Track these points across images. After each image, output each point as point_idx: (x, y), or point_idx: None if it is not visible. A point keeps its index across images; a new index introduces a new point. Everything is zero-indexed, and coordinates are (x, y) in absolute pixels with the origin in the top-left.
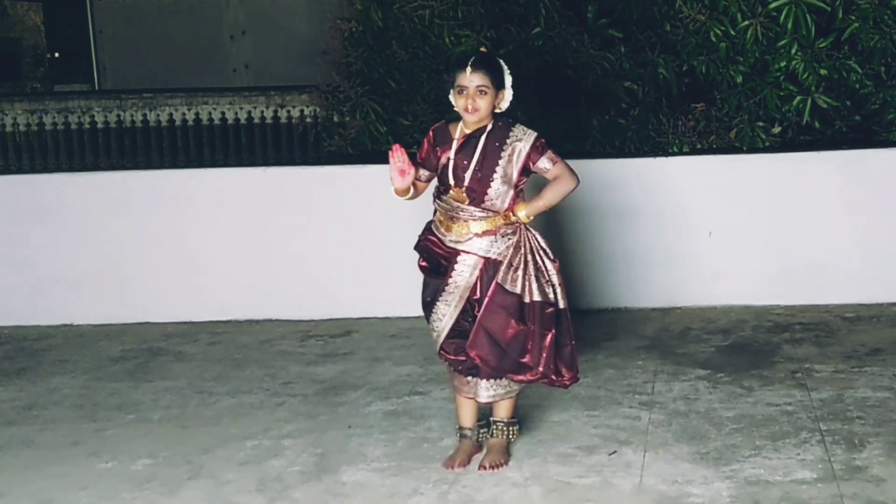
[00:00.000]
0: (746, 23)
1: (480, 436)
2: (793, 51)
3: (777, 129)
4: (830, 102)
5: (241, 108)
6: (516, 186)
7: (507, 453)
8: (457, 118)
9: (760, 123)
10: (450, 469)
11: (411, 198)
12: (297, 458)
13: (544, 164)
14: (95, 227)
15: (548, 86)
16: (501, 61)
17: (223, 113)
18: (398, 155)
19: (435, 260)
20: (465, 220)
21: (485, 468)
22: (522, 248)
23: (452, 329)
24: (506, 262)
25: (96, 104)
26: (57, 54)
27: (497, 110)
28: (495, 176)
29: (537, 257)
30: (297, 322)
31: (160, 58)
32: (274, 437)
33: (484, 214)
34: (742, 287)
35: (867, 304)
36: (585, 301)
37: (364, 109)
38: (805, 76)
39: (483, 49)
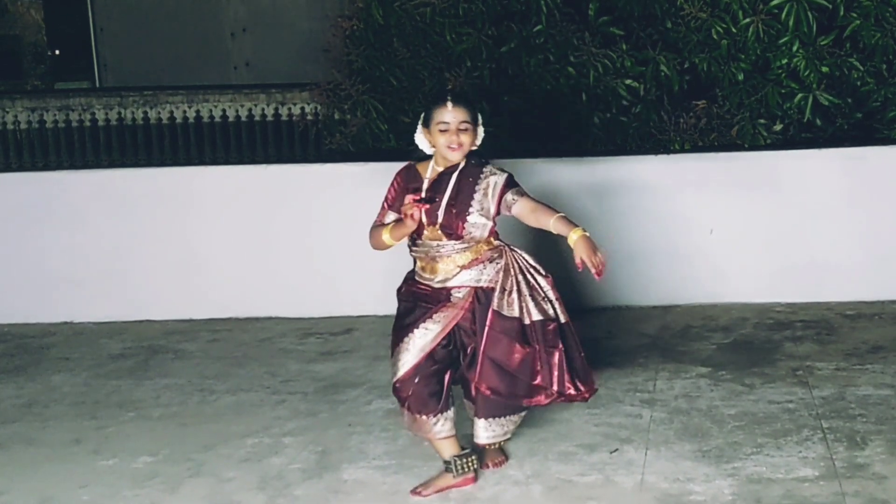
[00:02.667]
0: (748, 20)
1: (467, 466)
2: (794, 48)
3: (778, 127)
4: (832, 100)
5: (242, 106)
6: (493, 219)
7: (505, 451)
8: (424, 158)
9: (762, 121)
10: (414, 496)
11: (393, 245)
12: (298, 455)
13: (514, 197)
14: (96, 224)
15: (549, 83)
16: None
17: (224, 110)
18: (409, 198)
19: (423, 299)
20: (449, 255)
21: (486, 466)
22: (512, 270)
23: (416, 366)
24: (498, 287)
25: (97, 102)
26: (58, 52)
27: (472, 147)
28: (471, 210)
29: (528, 276)
30: (297, 320)
31: (161, 55)
32: (275, 435)
33: (465, 245)
34: (743, 285)
35: (868, 301)
36: (587, 299)
37: (365, 107)
38: (806, 73)
39: (450, 86)
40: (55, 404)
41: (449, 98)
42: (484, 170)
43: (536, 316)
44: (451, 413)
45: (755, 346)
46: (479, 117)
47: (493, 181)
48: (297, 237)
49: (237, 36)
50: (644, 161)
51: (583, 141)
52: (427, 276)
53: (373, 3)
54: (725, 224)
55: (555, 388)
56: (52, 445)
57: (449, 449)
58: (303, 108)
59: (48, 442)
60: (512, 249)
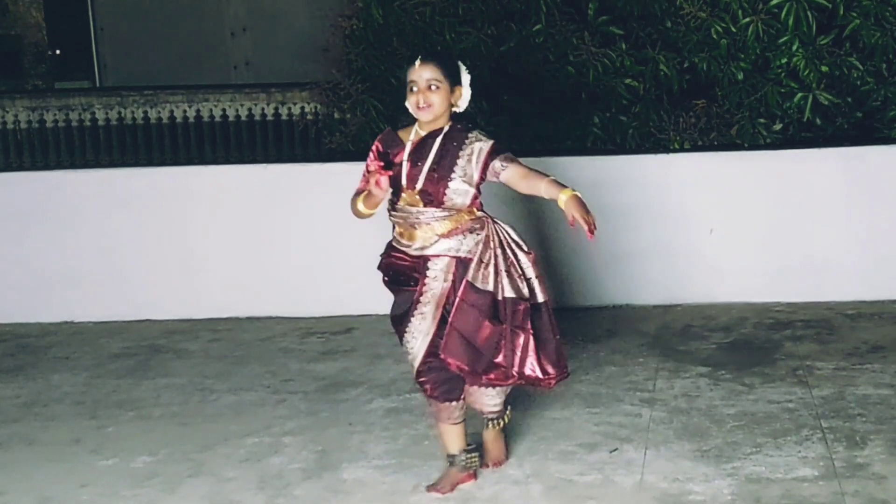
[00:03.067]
0: (747, 19)
1: (471, 462)
2: (794, 47)
3: (778, 126)
4: (832, 99)
5: (242, 105)
6: (477, 187)
7: (505, 448)
8: (410, 123)
9: (761, 120)
10: (434, 493)
11: (371, 214)
12: (298, 455)
13: (503, 163)
14: (96, 224)
15: (548, 83)
16: (459, 62)
17: (224, 110)
18: (374, 165)
19: (402, 273)
20: (428, 223)
21: (486, 466)
22: (492, 243)
23: (429, 351)
24: (475, 258)
25: (97, 101)
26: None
27: (455, 109)
28: (454, 175)
29: (508, 251)
30: (297, 319)
31: (161, 55)
32: (275, 435)
33: (446, 214)
34: (743, 284)
35: (868, 301)
36: (586, 298)
37: (365, 106)
38: (806, 73)
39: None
40: (55, 404)
41: (419, 56)
42: (469, 135)
43: (509, 293)
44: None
45: (755, 345)
46: (463, 77)
47: (477, 147)
48: (298, 237)
49: (237, 35)
50: (643, 160)
51: (582, 140)
52: (405, 242)
53: (372, 2)
54: (725, 223)
55: (515, 369)
56: (52, 445)
57: (458, 442)
58: (303, 108)
59: (48, 441)
60: (495, 222)
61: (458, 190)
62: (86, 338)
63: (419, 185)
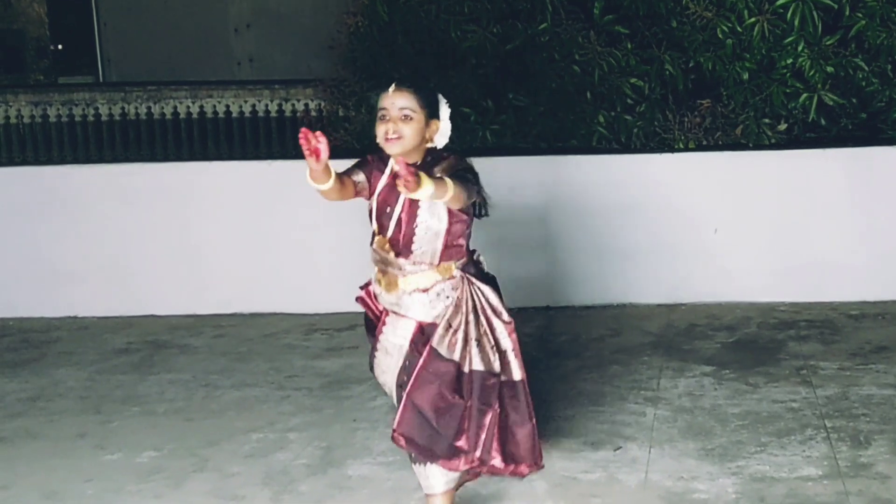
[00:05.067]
0: (753, 20)
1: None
2: (799, 48)
3: (783, 126)
4: (836, 100)
5: (246, 102)
6: (449, 230)
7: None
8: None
9: (766, 120)
10: None
11: (338, 196)
12: (303, 451)
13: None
14: (100, 219)
15: (554, 81)
16: (440, 94)
17: (227, 106)
18: (309, 136)
19: (371, 321)
20: (395, 276)
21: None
22: (464, 307)
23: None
24: (443, 321)
25: (101, 96)
26: (60, 46)
27: (430, 145)
28: (419, 221)
29: (482, 317)
30: (301, 315)
31: (164, 50)
32: (279, 431)
33: (415, 269)
34: (747, 284)
35: (872, 301)
36: (591, 297)
37: (370, 104)
38: (811, 73)
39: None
40: (60, 398)
41: (393, 83)
42: (442, 164)
43: (477, 365)
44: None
45: (759, 345)
46: (442, 110)
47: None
48: (302, 233)
49: (241, 31)
50: (648, 160)
51: (587, 139)
52: (377, 287)
53: None
54: (730, 223)
55: (478, 454)
56: (57, 440)
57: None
58: (306, 105)
59: (52, 436)
60: (472, 283)
61: (424, 238)
62: (90, 333)
63: (389, 233)
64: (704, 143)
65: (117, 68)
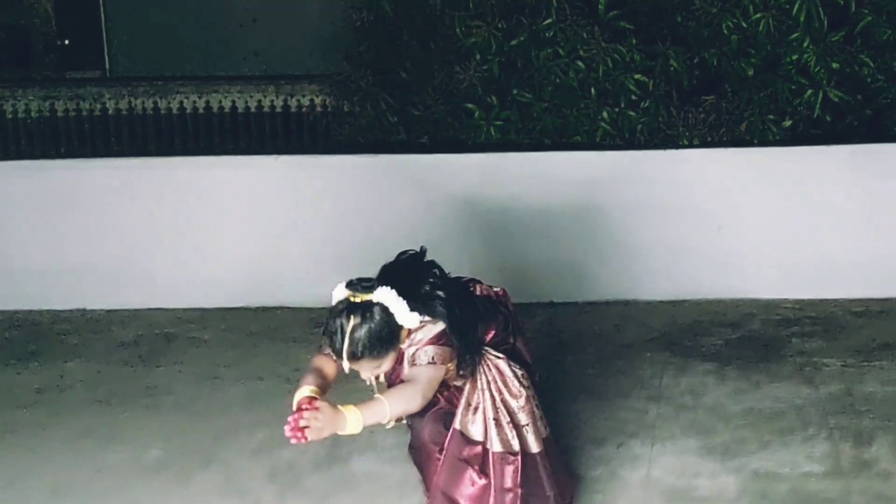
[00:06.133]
0: (758, 15)
1: None
2: (805, 44)
3: (788, 123)
4: (842, 96)
5: (251, 97)
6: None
7: None
8: None
9: (771, 116)
10: None
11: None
12: (309, 447)
13: (417, 357)
14: (108, 212)
15: (558, 77)
16: (386, 303)
17: (234, 101)
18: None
19: None
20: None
21: None
22: (479, 383)
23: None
24: (462, 401)
25: (108, 91)
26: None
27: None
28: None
29: (496, 396)
30: (308, 309)
31: (170, 45)
32: None
33: None
34: (751, 281)
35: (876, 298)
36: (594, 293)
37: (375, 99)
38: (817, 70)
39: (353, 297)
40: (68, 391)
41: (344, 358)
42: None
43: (497, 447)
44: None
45: (762, 342)
46: (397, 314)
47: (424, 332)
48: (307, 227)
49: (246, 26)
50: (652, 156)
51: (591, 135)
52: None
53: None
54: (734, 220)
55: None
56: (65, 433)
57: None
58: (312, 100)
59: (60, 429)
60: (484, 356)
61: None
62: (98, 325)
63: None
64: (709, 139)
65: (124, 63)
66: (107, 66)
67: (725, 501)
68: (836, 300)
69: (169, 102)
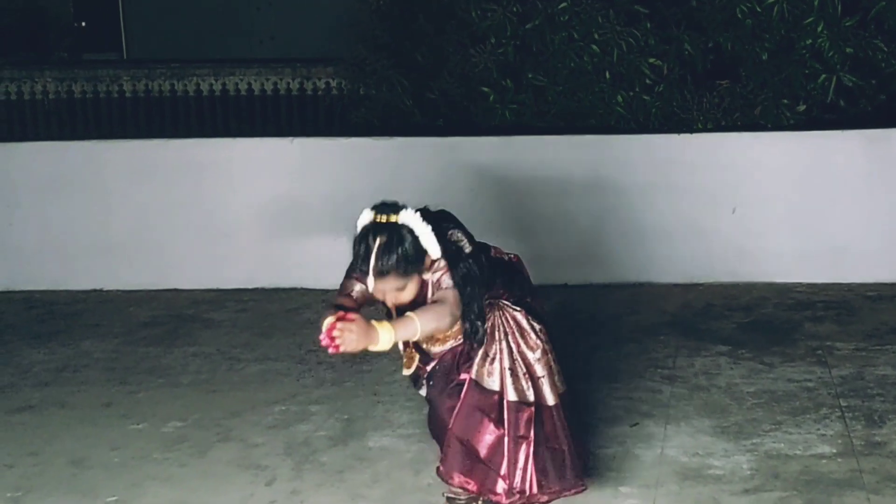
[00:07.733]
0: (773, 0)
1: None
2: (819, 29)
3: (801, 107)
4: (855, 81)
5: (268, 80)
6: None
7: None
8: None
9: (785, 101)
10: None
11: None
12: (324, 423)
13: (447, 284)
14: (125, 194)
15: (573, 61)
16: (411, 225)
17: (250, 84)
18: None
19: None
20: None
21: None
22: (497, 334)
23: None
24: (481, 351)
25: (125, 73)
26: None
27: (426, 275)
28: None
29: (514, 346)
30: (323, 291)
31: (187, 27)
32: (301, 403)
33: (440, 347)
34: (765, 264)
35: (889, 283)
36: (608, 275)
37: (390, 82)
38: (831, 54)
39: (380, 218)
40: (86, 369)
41: (371, 272)
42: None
43: (511, 396)
44: None
45: (775, 325)
46: (424, 242)
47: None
48: (323, 209)
49: (262, 9)
50: (667, 140)
51: (606, 119)
52: (405, 370)
53: None
54: (748, 204)
55: (517, 486)
56: (84, 408)
57: None
58: (328, 83)
59: (80, 405)
60: (502, 308)
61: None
62: (114, 306)
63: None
64: (723, 123)
65: (141, 45)
66: (124, 49)
67: (738, 480)
68: (849, 284)
69: (185, 85)
